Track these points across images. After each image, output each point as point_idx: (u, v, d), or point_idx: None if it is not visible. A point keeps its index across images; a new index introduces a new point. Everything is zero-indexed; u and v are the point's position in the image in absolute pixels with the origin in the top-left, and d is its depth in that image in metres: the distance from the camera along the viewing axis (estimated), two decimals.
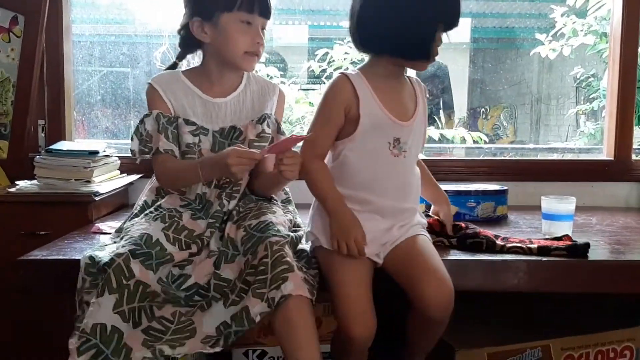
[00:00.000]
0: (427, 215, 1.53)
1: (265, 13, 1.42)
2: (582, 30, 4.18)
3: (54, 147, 1.96)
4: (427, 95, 1.42)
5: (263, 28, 1.44)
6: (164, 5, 2.91)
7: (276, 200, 1.53)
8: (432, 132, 3.82)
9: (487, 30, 5.83)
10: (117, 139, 2.82)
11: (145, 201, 1.49)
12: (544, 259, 1.39)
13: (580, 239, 1.50)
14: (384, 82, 1.33)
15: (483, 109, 6.78)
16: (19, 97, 2.12)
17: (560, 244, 1.43)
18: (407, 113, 1.35)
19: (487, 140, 3.95)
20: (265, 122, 1.49)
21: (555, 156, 4.11)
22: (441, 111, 5.29)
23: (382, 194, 1.33)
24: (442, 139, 3.97)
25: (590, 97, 4.92)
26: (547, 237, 1.53)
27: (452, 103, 5.45)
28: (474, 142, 3.89)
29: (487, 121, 6.80)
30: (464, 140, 3.82)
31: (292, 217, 1.50)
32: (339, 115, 1.32)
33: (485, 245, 1.45)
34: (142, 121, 1.46)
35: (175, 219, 1.36)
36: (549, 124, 6.11)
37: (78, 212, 1.81)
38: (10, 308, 1.80)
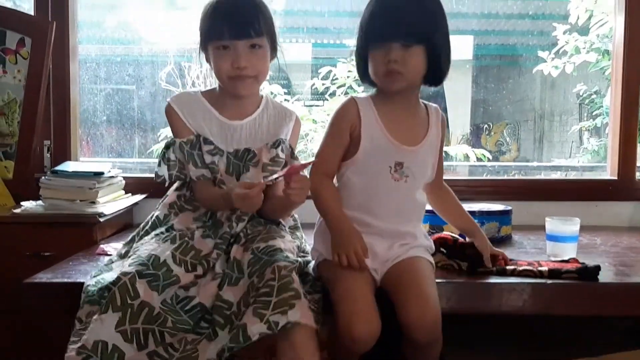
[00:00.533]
0: (432, 234, 1.52)
1: (240, 34, 1.39)
2: (584, 48, 4.20)
3: (59, 168, 1.97)
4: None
5: (252, 47, 1.41)
6: (169, 26, 2.94)
7: (284, 226, 1.54)
8: None
9: (489, 48, 5.85)
10: (122, 158, 2.83)
11: (157, 216, 1.50)
12: (549, 281, 1.39)
13: (587, 261, 1.51)
14: (391, 107, 1.35)
15: (486, 126, 6.79)
16: (25, 118, 2.13)
17: (570, 266, 1.43)
18: (413, 138, 1.36)
19: (490, 157, 3.96)
20: (280, 147, 1.50)
21: (559, 174, 4.12)
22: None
23: (381, 217, 1.34)
24: (445, 156, 3.97)
25: (594, 114, 4.93)
26: (554, 259, 1.53)
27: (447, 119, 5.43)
28: (477, 159, 3.90)
29: (490, 137, 6.80)
30: (467, 157, 3.82)
31: (300, 243, 1.51)
32: (344, 135, 1.36)
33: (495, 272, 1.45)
34: (167, 147, 1.48)
35: (186, 239, 1.37)
36: (553, 140, 6.11)
37: (83, 233, 1.82)
38: (14, 326, 1.80)
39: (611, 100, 2.33)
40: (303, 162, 1.33)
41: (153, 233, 1.41)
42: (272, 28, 1.45)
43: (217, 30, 1.39)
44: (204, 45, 1.46)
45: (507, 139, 6.84)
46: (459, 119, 6.48)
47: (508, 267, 1.45)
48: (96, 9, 2.98)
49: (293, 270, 1.24)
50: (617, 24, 2.35)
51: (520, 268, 1.44)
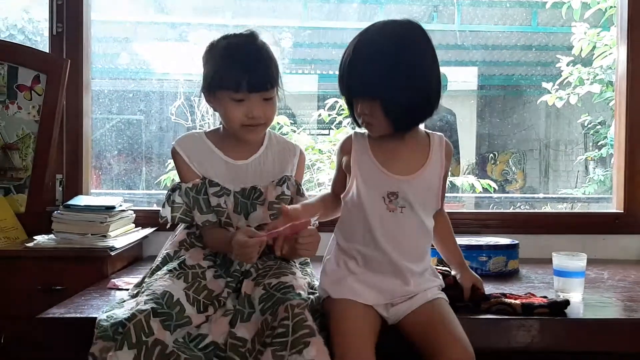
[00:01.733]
0: (443, 272, 1.53)
1: (257, 88, 1.41)
2: (588, 79, 4.24)
3: (71, 202, 2.00)
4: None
5: (266, 99, 1.44)
6: (180, 60, 3.01)
7: (294, 262, 1.54)
8: None
9: (494, 79, 5.92)
10: (131, 189, 2.87)
11: (167, 253, 1.52)
12: (557, 317, 1.40)
13: (592, 295, 1.53)
14: (385, 139, 1.38)
15: (491, 155, 6.82)
16: (39, 153, 2.17)
17: (541, 301, 1.45)
18: (409, 168, 1.37)
19: (496, 187, 3.98)
20: (286, 184, 1.53)
21: (565, 204, 4.13)
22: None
23: (378, 248, 1.35)
24: (452, 186, 3.99)
25: (599, 144, 4.95)
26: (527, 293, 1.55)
27: (458, 148, 5.49)
28: (484, 189, 3.91)
29: (496, 166, 6.82)
30: (473, 187, 3.84)
31: (310, 279, 1.52)
32: (339, 168, 1.46)
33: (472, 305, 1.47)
34: (173, 190, 1.51)
35: (199, 278, 1.39)
36: (558, 169, 6.12)
37: (94, 266, 1.84)
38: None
39: (615, 134, 2.35)
40: (303, 220, 1.32)
41: (165, 268, 1.43)
42: (279, 76, 1.48)
43: (233, 81, 1.39)
44: (212, 89, 1.46)
45: (513, 168, 6.86)
46: (465, 148, 6.52)
47: (482, 305, 1.46)
48: (109, 42, 3.06)
49: (305, 307, 1.24)
50: (619, 55, 2.38)
51: (495, 307, 1.44)
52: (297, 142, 3.64)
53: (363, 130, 1.42)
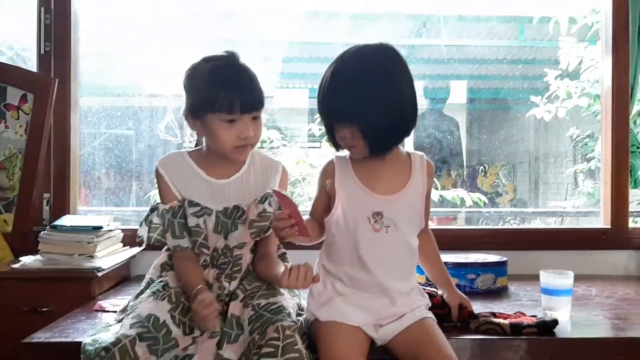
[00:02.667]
0: (432, 294, 1.52)
1: (249, 108, 1.41)
2: (575, 93, 4.27)
3: (58, 222, 1.99)
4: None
5: (255, 118, 1.44)
6: (169, 77, 3.01)
7: None
8: (432, 193, 3.86)
9: (482, 92, 5.97)
10: (120, 207, 2.86)
11: (150, 278, 1.51)
12: (543, 337, 1.40)
13: (580, 313, 1.54)
14: (367, 160, 1.39)
15: (482, 167, 6.85)
16: (26, 172, 2.16)
17: (530, 320, 1.45)
18: (392, 187, 1.38)
19: (486, 201, 3.99)
20: (267, 201, 1.51)
21: (554, 219, 4.15)
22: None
23: (365, 269, 1.35)
24: (442, 201, 4.00)
25: (587, 156, 4.98)
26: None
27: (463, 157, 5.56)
28: (474, 202, 3.93)
29: (486, 179, 6.85)
30: (463, 201, 3.85)
31: (299, 300, 1.51)
32: (322, 193, 1.45)
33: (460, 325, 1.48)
34: (152, 210, 1.50)
35: (182, 299, 1.39)
36: (548, 181, 6.16)
37: (81, 287, 1.83)
38: None
39: (602, 149, 2.37)
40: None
41: (149, 291, 1.42)
42: (264, 94, 1.47)
43: (226, 103, 1.38)
44: (200, 113, 1.43)
45: (503, 180, 6.89)
46: (455, 160, 6.54)
47: (471, 324, 1.46)
48: (98, 58, 3.05)
49: (296, 330, 1.25)
50: (604, 70, 2.40)
51: (483, 326, 1.45)
52: (288, 155, 3.67)
53: (343, 153, 1.43)
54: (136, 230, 1.51)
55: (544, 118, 4.28)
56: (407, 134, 1.39)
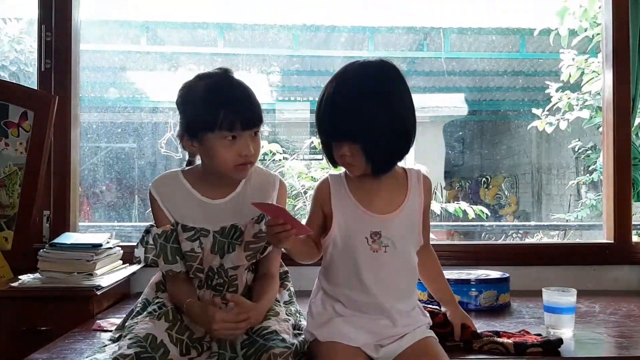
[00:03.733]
0: (434, 312, 1.51)
1: (250, 126, 1.38)
2: (577, 105, 4.27)
3: (57, 240, 1.98)
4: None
5: (256, 133, 1.41)
6: (170, 93, 3.02)
7: (278, 301, 1.52)
8: (434, 206, 3.85)
9: (483, 104, 5.98)
10: (122, 222, 2.85)
11: (146, 299, 1.50)
12: (548, 357, 1.38)
13: (583, 331, 1.54)
14: (363, 179, 1.37)
15: (484, 179, 6.85)
16: (26, 189, 2.15)
17: (534, 339, 1.43)
18: (389, 206, 1.37)
19: (489, 213, 3.98)
20: (264, 221, 1.47)
21: (557, 232, 4.12)
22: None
23: (364, 290, 1.34)
24: (445, 214, 3.99)
25: (590, 168, 4.97)
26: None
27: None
28: (476, 215, 3.91)
29: (489, 190, 6.85)
30: (465, 213, 3.84)
31: (295, 320, 1.49)
32: (317, 213, 1.41)
33: (463, 344, 1.46)
34: (147, 231, 1.49)
35: (179, 317, 1.38)
36: (551, 193, 6.15)
37: (80, 306, 1.81)
38: None
39: (604, 163, 2.35)
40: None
41: (146, 312, 1.41)
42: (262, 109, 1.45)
43: (227, 122, 1.34)
44: (197, 133, 1.39)
45: (506, 192, 6.88)
46: (455, 173, 6.55)
47: (474, 344, 1.44)
48: (100, 72, 3.06)
49: (289, 356, 1.23)
50: (605, 82, 2.39)
51: (487, 346, 1.43)
52: (290, 168, 3.67)
53: (337, 171, 1.42)
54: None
55: (546, 130, 4.28)
56: (408, 151, 1.36)
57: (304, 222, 1.38)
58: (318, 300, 1.40)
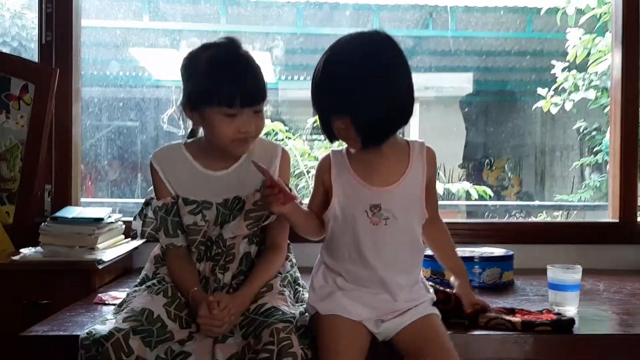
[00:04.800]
0: (436, 288, 1.49)
1: (251, 102, 1.34)
2: (583, 85, 4.23)
3: (59, 214, 1.97)
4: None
5: (257, 111, 1.38)
6: (173, 69, 2.99)
7: (280, 273, 1.50)
8: (437, 186, 3.84)
9: (489, 84, 5.92)
10: (125, 198, 2.84)
11: (146, 274, 1.49)
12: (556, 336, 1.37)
13: (588, 308, 1.52)
14: (364, 152, 1.34)
15: (487, 160, 6.82)
16: (27, 163, 2.14)
17: (544, 318, 1.41)
18: (389, 178, 1.34)
19: (492, 194, 3.96)
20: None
21: (561, 212, 4.10)
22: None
23: (365, 264, 1.32)
24: (447, 194, 3.98)
25: (594, 150, 4.94)
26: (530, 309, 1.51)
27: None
28: (479, 196, 3.90)
29: (492, 172, 6.82)
30: (468, 194, 3.83)
31: (292, 289, 1.49)
32: (319, 189, 1.41)
33: (467, 322, 1.44)
34: (146, 204, 1.48)
35: (178, 294, 1.37)
36: (554, 174, 6.12)
37: (81, 280, 1.81)
38: None
39: (610, 142, 2.33)
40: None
41: (145, 285, 1.40)
42: (267, 86, 1.41)
43: (226, 97, 1.32)
44: (198, 106, 1.37)
45: (509, 173, 6.85)
46: (460, 153, 6.51)
47: (480, 319, 1.43)
48: (100, 48, 3.03)
49: (292, 330, 1.22)
50: (614, 61, 2.35)
51: (493, 321, 1.41)
52: (293, 147, 3.65)
53: (340, 147, 1.40)
54: None
55: (551, 111, 4.24)
56: (403, 124, 1.33)
57: (307, 200, 1.40)
58: (320, 274, 1.39)
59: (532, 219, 3.47)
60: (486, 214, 3.33)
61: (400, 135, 1.41)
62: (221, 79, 1.33)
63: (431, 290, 1.42)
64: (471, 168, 6.78)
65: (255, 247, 1.49)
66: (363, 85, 1.25)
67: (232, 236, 1.44)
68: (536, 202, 4.65)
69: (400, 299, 1.33)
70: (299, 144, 3.81)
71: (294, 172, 3.94)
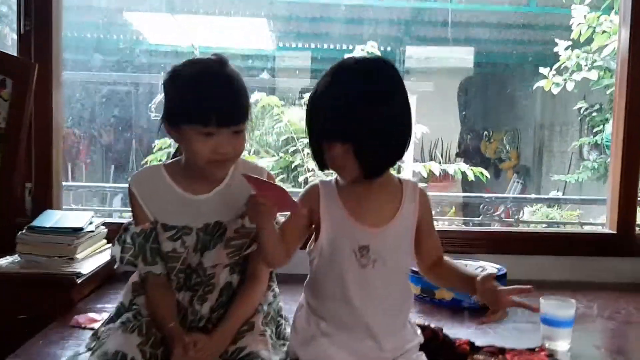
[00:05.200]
0: (423, 326, 1.44)
1: (228, 122, 1.28)
2: (586, 65, 4.13)
3: (37, 223, 1.90)
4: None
5: (237, 132, 1.31)
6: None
7: (262, 304, 1.44)
8: (433, 167, 3.78)
9: (490, 56, 5.80)
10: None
11: (122, 303, 1.43)
12: None
13: (580, 343, 1.49)
14: (355, 187, 1.27)
15: (486, 132, 6.74)
16: (6, 162, 2.05)
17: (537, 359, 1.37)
18: (380, 218, 1.27)
19: (488, 175, 3.91)
20: (247, 217, 1.38)
21: (556, 191, 4.06)
22: None
23: (350, 308, 1.25)
24: (442, 173, 3.92)
25: (594, 130, 4.87)
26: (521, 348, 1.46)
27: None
28: (475, 177, 3.85)
29: (490, 144, 6.76)
30: (465, 175, 3.77)
31: (274, 326, 1.44)
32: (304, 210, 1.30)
33: None
34: (125, 229, 1.41)
35: (153, 330, 1.31)
36: (553, 149, 6.07)
37: (60, 293, 1.74)
38: None
39: (614, 124, 2.25)
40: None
41: (119, 321, 1.35)
42: (250, 107, 1.34)
43: (201, 115, 1.25)
44: (175, 123, 1.31)
45: (507, 146, 6.79)
46: (458, 126, 6.44)
47: None
48: (82, 30, 2.90)
49: None
50: (621, 40, 2.24)
51: None
52: (289, 123, 3.58)
53: (328, 178, 1.32)
54: (121, 224, 1.43)
55: (552, 91, 4.15)
56: (402, 155, 1.27)
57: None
58: (302, 314, 1.33)
59: (527, 209, 3.43)
60: (482, 206, 3.28)
61: (393, 172, 1.33)
62: (197, 96, 1.26)
63: (419, 331, 1.36)
64: (469, 140, 6.71)
65: (237, 277, 1.43)
66: (368, 112, 1.18)
67: (212, 265, 1.38)
68: (532, 195, 4.60)
69: (386, 348, 1.26)
70: (296, 112, 3.75)
71: (288, 149, 3.88)
